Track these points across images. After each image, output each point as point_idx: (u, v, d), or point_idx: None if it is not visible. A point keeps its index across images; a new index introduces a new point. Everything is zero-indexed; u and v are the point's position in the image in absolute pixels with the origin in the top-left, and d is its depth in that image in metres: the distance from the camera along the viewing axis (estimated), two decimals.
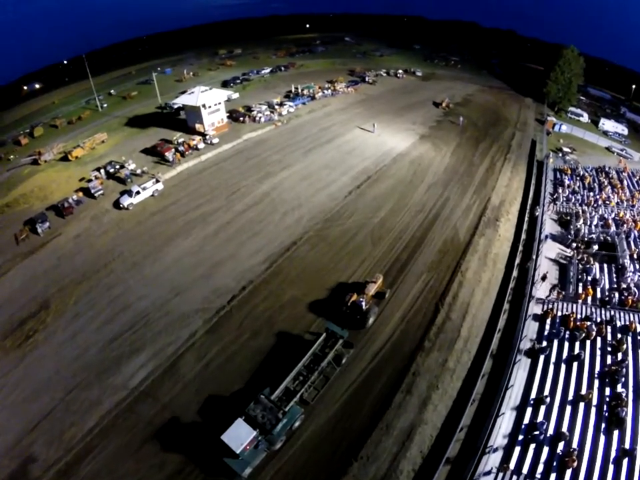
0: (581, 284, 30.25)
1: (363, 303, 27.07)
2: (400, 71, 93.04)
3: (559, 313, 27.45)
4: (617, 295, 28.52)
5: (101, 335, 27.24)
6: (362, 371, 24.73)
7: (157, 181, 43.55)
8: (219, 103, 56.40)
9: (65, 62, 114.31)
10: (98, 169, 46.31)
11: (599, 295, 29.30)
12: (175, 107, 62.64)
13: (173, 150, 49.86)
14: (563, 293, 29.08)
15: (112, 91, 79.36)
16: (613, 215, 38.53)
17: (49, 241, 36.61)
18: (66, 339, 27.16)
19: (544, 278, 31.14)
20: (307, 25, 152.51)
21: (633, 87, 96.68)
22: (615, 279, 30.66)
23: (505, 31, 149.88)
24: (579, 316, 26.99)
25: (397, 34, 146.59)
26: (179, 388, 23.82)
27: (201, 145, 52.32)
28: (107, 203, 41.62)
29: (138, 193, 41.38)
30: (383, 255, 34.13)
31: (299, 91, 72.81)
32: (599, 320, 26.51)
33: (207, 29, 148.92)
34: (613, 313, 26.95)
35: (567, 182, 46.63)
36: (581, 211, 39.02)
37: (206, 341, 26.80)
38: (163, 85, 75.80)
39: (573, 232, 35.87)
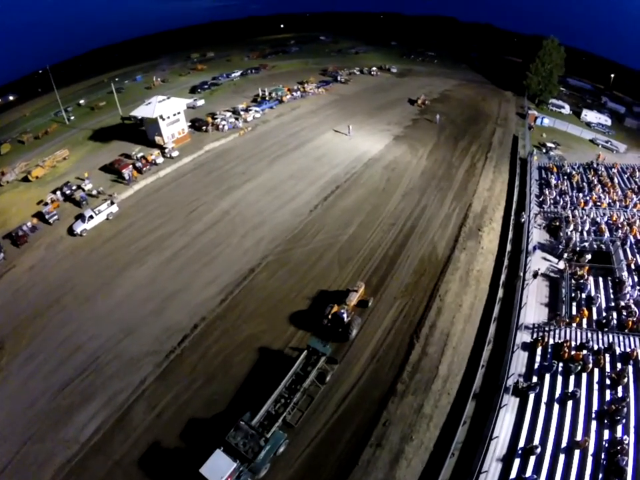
0: (574, 303, 27.00)
1: (345, 315, 25.28)
2: (374, 69, 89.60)
3: (551, 341, 24.23)
4: (615, 315, 25.47)
5: (53, 380, 25.16)
6: (336, 409, 22.36)
7: (112, 203, 40.55)
8: (178, 113, 52.54)
9: (40, 71, 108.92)
10: (54, 191, 43.01)
11: (595, 316, 26.15)
12: (139, 117, 58.47)
13: (131, 167, 46.06)
14: (566, 320, 25.61)
15: (81, 101, 74.86)
16: (605, 219, 35.37)
17: (4, 273, 34.00)
18: (19, 385, 25.06)
19: (535, 275, 29.09)
20: (282, 25, 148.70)
21: (612, 75, 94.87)
22: (612, 296, 27.52)
23: (484, 25, 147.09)
24: (573, 343, 23.80)
25: (373, 31, 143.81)
26: (130, 442, 21.62)
27: (160, 159, 48.60)
28: (63, 228, 38.70)
29: (91, 217, 38.60)
30: (352, 279, 30.47)
31: (267, 94, 68.92)
32: (596, 347, 23.57)
33: (184, 33, 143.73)
34: (611, 338, 23.90)
35: (553, 181, 43.36)
36: (571, 216, 35.76)
37: (157, 389, 24.28)
38: (132, 93, 72.71)
39: (563, 240, 32.65)
